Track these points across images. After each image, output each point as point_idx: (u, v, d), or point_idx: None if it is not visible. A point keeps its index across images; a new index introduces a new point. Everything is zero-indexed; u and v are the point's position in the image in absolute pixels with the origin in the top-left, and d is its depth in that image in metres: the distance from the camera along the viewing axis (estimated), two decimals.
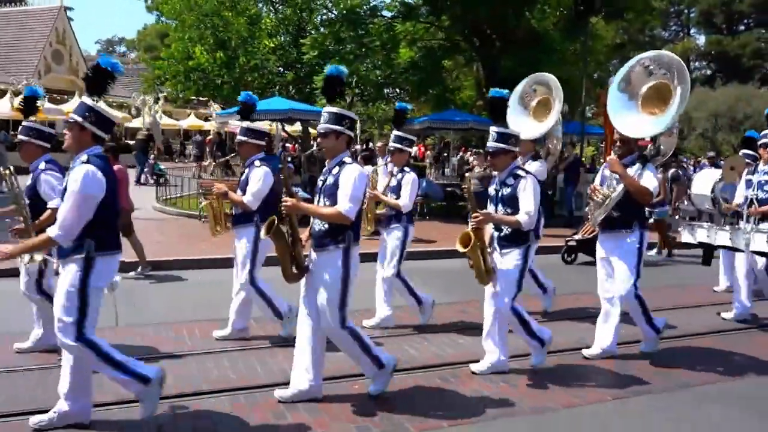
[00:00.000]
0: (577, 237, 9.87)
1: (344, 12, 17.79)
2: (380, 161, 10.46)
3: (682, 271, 9.79)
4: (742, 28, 53.89)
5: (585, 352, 5.26)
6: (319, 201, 4.07)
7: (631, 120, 5.01)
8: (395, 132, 6.05)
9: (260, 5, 21.25)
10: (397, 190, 5.88)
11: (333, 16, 19.62)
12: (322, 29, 19.30)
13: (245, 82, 18.52)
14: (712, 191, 6.72)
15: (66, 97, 28.34)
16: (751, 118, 41.44)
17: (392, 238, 5.90)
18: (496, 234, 4.72)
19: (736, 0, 52.18)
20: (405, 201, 5.81)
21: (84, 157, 3.50)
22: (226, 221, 5.67)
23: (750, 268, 6.57)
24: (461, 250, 4.49)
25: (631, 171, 4.93)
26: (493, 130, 4.68)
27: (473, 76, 22.67)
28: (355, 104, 22.32)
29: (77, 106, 3.65)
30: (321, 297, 3.97)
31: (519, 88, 6.40)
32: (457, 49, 18.29)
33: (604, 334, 5.24)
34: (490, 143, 4.66)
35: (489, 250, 4.69)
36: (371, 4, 18.13)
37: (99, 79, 3.58)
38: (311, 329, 4.08)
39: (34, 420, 3.64)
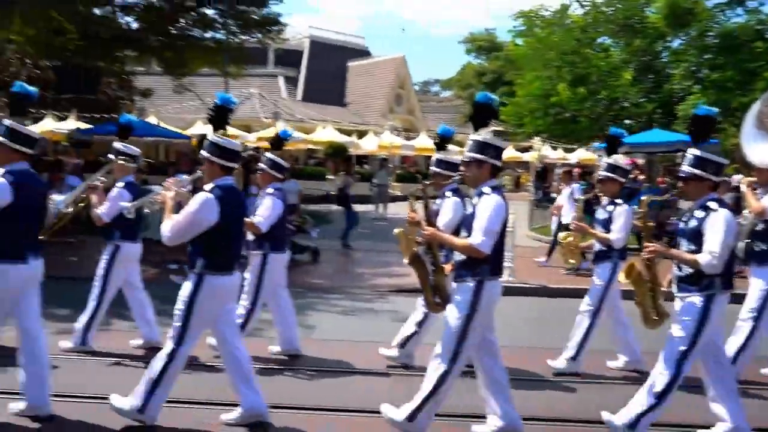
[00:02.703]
0: None
1: (703, 37, 17.37)
2: (565, 190, 10.02)
3: None
4: None
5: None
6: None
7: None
8: (609, 160, 5.56)
9: (606, 39, 21.85)
10: (606, 224, 5.44)
11: (683, 41, 19.32)
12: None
13: (601, 115, 19.23)
14: None
15: (410, 134, 32.33)
16: None
17: (599, 274, 5.50)
18: (676, 273, 4.06)
19: None
20: (616, 235, 5.33)
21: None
22: None
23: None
24: (622, 280, 4.13)
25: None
26: (692, 153, 4.02)
27: None
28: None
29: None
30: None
31: (755, 107, 5.41)
32: None
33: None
34: (684, 167, 4.04)
35: (665, 289, 4.19)
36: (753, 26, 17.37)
37: (221, 115, 4.15)
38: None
39: None
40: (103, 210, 5.38)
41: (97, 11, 15.59)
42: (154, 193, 4.48)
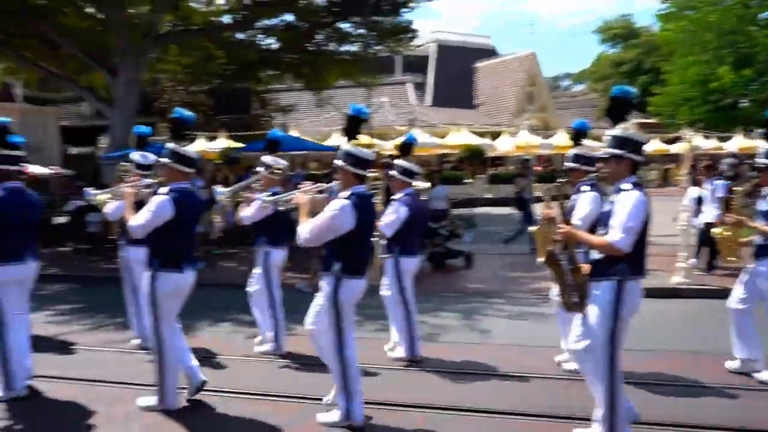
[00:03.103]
0: None
1: None
2: (707, 184, 9.20)
3: None
4: None
5: None
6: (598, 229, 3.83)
7: None
8: None
9: None
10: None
11: None
12: None
13: None
14: None
15: (549, 132, 31.02)
16: None
17: (761, 273, 5.00)
18: None
19: None
20: None
21: None
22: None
23: None
24: None
25: None
26: None
27: None
28: None
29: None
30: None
31: None
32: None
33: None
34: None
35: None
36: None
37: (354, 126, 4.26)
38: None
39: None
40: (247, 213, 5.71)
41: (240, 36, 16.43)
42: (290, 193, 4.68)
